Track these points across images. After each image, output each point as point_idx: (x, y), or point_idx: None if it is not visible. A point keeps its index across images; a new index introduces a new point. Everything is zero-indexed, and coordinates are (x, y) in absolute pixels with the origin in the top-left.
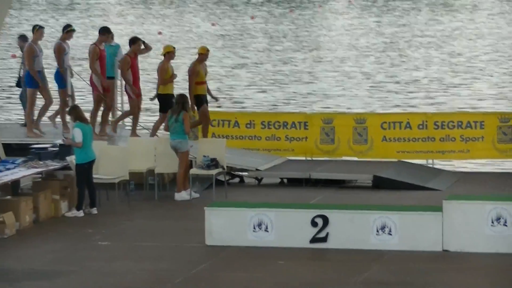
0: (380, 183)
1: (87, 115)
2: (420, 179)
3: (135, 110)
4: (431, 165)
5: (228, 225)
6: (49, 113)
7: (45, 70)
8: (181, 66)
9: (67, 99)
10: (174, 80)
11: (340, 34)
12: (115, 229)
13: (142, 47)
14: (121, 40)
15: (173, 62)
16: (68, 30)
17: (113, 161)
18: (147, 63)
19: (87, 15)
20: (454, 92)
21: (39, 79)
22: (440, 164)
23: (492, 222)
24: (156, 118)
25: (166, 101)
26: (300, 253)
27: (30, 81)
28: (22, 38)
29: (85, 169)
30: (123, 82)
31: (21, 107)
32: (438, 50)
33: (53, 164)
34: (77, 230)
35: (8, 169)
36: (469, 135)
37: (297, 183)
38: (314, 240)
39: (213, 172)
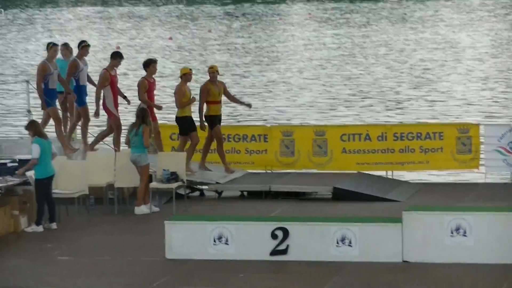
0: (340, 195)
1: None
2: (380, 190)
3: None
4: (390, 177)
5: (188, 239)
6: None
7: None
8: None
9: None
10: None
11: (299, 46)
12: (74, 244)
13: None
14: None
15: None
16: (83, 46)
17: (72, 176)
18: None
19: (47, 29)
20: (414, 104)
21: (43, 102)
22: (399, 175)
23: (452, 233)
24: None
25: (185, 124)
26: (260, 266)
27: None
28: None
29: (44, 184)
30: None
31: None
32: (397, 61)
33: (12, 180)
34: (37, 245)
35: None
36: (429, 146)
37: (257, 195)
38: (274, 252)
39: (173, 185)
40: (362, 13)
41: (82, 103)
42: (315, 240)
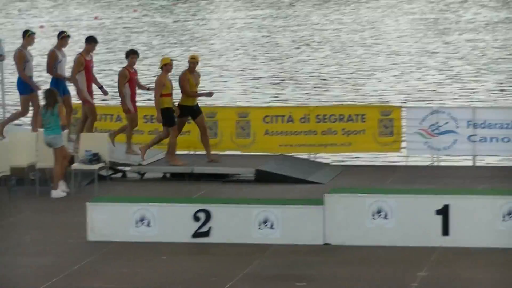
0: (262, 177)
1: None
2: (302, 172)
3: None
4: (313, 159)
5: (110, 221)
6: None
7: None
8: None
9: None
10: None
11: (225, 27)
12: None
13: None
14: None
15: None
16: (63, 36)
17: None
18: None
19: None
20: (337, 86)
21: (34, 85)
22: (322, 157)
23: (373, 215)
24: None
25: (168, 115)
26: (182, 248)
27: (23, 87)
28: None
29: None
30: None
31: None
32: (321, 43)
33: None
34: None
35: None
36: (351, 128)
37: (180, 177)
38: (196, 234)
39: (95, 167)
40: None
41: (65, 92)
42: (237, 222)
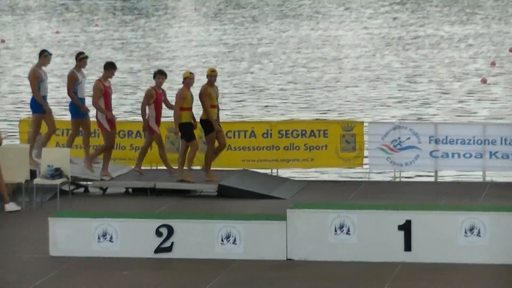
0: (225, 192)
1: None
2: (265, 187)
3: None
4: (276, 174)
5: (72, 236)
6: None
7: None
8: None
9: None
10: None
11: (185, 42)
12: None
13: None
14: None
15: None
16: (82, 57)
17: None
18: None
19: None
20: (299, 101)
21: (47, 106)
22: (285, 172)
23: (336, 231)
24: None
25: (184, 129)
26: (145, 263)
27: (36, 106)
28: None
29: None
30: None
31: None
32: (283, 58)
33: None
34: None
35: None
36: (313, 143)
37: (143, 192)
38: (159, 250)
39: (57, 182)
40: (249, 8)
41: (81, 115)
42: (200, 238)
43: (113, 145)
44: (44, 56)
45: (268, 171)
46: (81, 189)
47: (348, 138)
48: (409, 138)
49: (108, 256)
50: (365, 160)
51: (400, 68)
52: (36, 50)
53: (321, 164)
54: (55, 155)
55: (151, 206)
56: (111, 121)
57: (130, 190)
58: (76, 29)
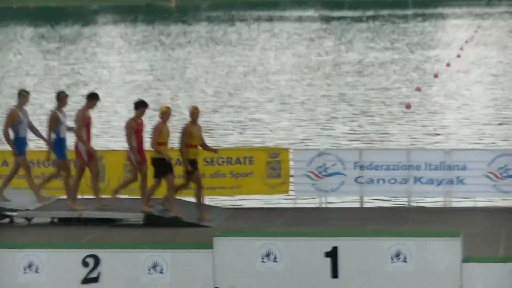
0: (151, 221)
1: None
2: (191, 215)
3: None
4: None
5: None
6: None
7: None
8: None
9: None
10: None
11: (111, 69)
12: None
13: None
14: None
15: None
16: (62, 97)
17: None
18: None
19: None
20: (224, 128)
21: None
22: (211, 200)
23: (263, 258)
24: None
25: (156, 165)
26: None
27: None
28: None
29: None
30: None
31: None
32: (210, 85)
33: None
34: None
35: None
36: (239, 171)
37: (68, 222)
38: (86, 280)
39: None
40: (175, 35)
41: (62, 155)
42: (126, 267)
43: (98, 172)
44: (23, 96)
45: (194, 199)
46: (6, 220)
47: (273, 165)
48: (334, 165)
49: (34, 287)
50: (291, 187)
51: (326, 94)
52: None
53: (247, 191)
54: None
55: (76, 235)
56: (90, 152)
57: (55, 220)
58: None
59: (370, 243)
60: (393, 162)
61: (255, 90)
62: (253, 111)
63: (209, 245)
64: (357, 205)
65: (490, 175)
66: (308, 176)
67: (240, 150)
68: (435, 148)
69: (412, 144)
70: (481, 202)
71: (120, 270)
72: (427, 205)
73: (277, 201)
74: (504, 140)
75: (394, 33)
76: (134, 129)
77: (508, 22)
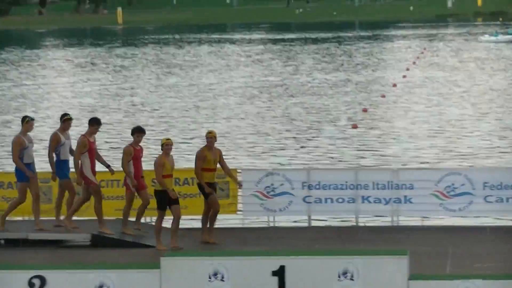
0: (98, 241)
1: None
2: (138, 236)
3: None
4: (149, 223)
5: None
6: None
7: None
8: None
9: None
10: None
11: (56, 92)
12: None
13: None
14: None
15: None
16: (66, 119)
17: None
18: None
19: None
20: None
21: (26, 169)
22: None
23: (210, 278)
24: None
25: (158, 197)
26: None
27: (21, 175)
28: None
29: None
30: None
31: None
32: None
33: None
34: None
35: None
36: (187, 191)
37: (15, 243)
38: None
39: None
40: (122, 57)
41: (63, 176)
42: None
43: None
44: (26, 122)
45: (143, 219)
46: None
47: (222, 185)
48: (282, 184)
49: None
50: (239, 207)
51: (274, 115)
52: None
53: (195, 212)
54: None
55: (23, 257)
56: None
57: (2, 241)
58: None
59: (317, 262)
60: (341, 181)
61: (205, 111)
62: (202, 132)
63: (156, 265)
64: (305, 224)
65: (437, 194)
66: (256, 196)
67: (187, 171)
68: (382, 167)
69: (359, 164)
70: (429, 220)
71: None
72: (375, 224)
73: (226, 221)
74: (451, 159)
75: (342, 54)
76: (131, 155)
77: (453, 44)
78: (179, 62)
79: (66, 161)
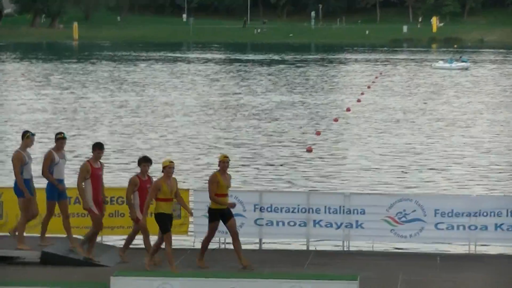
0: (49, 259)
1: None
2: (108, 259)
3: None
4: (100, 241)
5: None
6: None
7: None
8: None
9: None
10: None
11: (13, 107)
12: None
13: None
14: None
15: None
16: (59, 138)
17: None
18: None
19: None
20: (124, 168)
21: (25, 189)
22: (109, 239)
23: None
24: None
25: (159, 221)
26: None
27: (19, 190)
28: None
29: None
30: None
31: None
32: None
33: None
34: None
35: None
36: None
37: None
38: None
39: None
40: (78, 74)
41: (61, 197)
42: None
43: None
44: (27, 137)
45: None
46: None
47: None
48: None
49: None
50: (190, 227)
51: (223, 136)
52: None
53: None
54: None
55: None
56: (99, 204)
57: None
58: None
59: (267, 285)
60: (293, 204)
61: (157, 130)
62: (157, 152)
63: (105, 284)
64: (256, 246)
65: (389, 219)
66: (206, 216)
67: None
68: (334, 191)
69: (311, 188)
70: (379, 246)
71: None
72: (326, 248)
73: (177, 241)
74: (402, 185)
75: (297, 77)
76: (137, 186)
77: (408, 69)
78: (133, 79)
79: (61, 180)
